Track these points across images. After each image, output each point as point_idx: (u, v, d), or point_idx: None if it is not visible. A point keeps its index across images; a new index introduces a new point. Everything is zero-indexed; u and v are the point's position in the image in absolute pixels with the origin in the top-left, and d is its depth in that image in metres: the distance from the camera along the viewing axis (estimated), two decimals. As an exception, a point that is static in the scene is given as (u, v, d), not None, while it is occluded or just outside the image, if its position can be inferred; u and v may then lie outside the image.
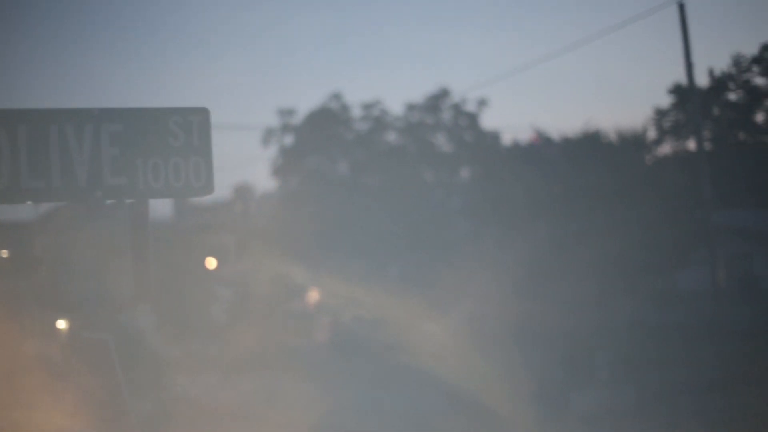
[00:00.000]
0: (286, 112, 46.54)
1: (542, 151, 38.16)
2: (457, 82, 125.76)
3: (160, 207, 41.38)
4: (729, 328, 33.57)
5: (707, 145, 61.25)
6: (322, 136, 45.05)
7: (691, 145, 47.90)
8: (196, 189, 6.62)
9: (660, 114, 66.97)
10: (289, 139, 47.08)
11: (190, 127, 6.66)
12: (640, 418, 22.52)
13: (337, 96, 45.87)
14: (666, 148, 62.58)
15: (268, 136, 46.86)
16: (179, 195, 6.64)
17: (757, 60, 66.22)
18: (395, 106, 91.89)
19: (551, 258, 29.21)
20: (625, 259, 28.09)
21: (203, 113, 6.70)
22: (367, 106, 44.63)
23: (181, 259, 35.07)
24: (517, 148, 40.39)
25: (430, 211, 42.10)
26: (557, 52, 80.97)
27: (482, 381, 27.29)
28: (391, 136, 44.67)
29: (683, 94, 60.25)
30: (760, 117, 66.28)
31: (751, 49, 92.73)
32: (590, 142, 34.66)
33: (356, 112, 45.30)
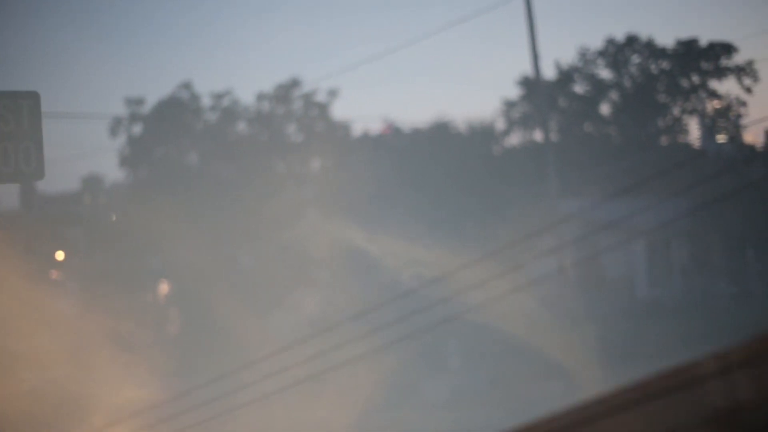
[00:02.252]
0: (135, 102, 45.81)
1: (392, 141, 38.38)
2: (308, 72, 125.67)
3: (6, 198, 40.29)
4: (575, 313, 34.37)
5: (554, 136, 62.68)
6: (171, 125, 44.47)
7: (539, 135, 48.85)
8: (26, 174, 6.39)
9: (509, 105, 68.14)
10: (137, 129, 46.35)
11: (20, 111, 6.43)
12: (490, 404, 22.83)
13: (186, 85, 45.33)
14: (515, 139, 63.80)
15: (116, 125, 46.06)
16: (9, 180, 6.41)
17: (602, 53, 67.94)
18: (247, 96, 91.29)
19: (402, 248, 29.38)
20: (473, 247, 28.43)
21: (33, 97, 6.48)
22: (218, 96, 44.18)
23: (26, 252, 34.23)
24: (367, 138, 40.53)
25: (281, 202, 41.96)
26: (407, 42, 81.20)
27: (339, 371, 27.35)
28: (242, 126, 44.33)
29: (531, 85, 61.44)
30: (604, 109, 68.05)
31: (596, 43, 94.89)
32: (440, 133, 35.00)
33: (206, 101, 44.86)
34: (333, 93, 45.27)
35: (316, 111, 45.13)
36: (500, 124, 59.90)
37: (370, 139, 41.16)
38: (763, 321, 37.03)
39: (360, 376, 26.32)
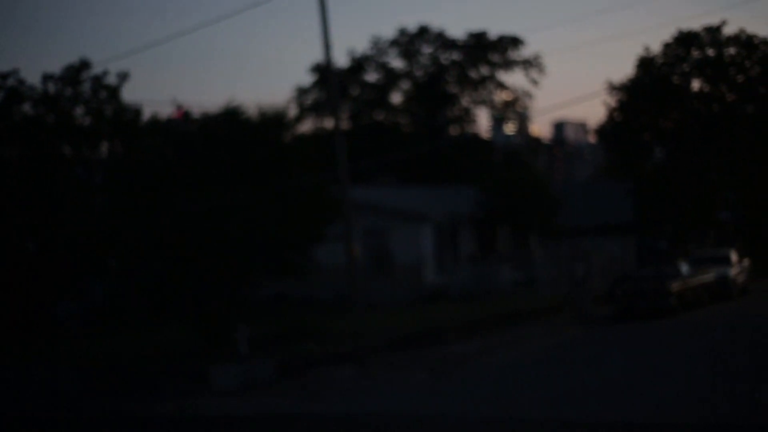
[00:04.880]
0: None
1: (182, 126, 37.97)
2: (99, 54, 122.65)
3: None
4: (364, 301, 34.86)
5: (346, 124, 63.27)
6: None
7: (331, 123, 49.20)
8: None
9: (301, 92, 68.53)
10: None
11: None
12: (277, 390, 22.98)
13: (-32, 65, 43.85)
14: (307, 126, 64.07)
15: None
16: None
17: (394, 43, 68.91)
18: (36, 78, 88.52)
19: (194, 233, 29.13)
20: (263, 235, 28.46)
21: None
22: (2, 76, 42.80)
23: None
24: (156, 122, 39.94)
25: (69, 186, 40.99)
26: (198, 25, 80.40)
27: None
28: (27, 108, 43.04)
29: (323, 73, 61.81)
30: (395, 97, 69.08)
31: (389, 32, 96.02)
32: (230, 118, 34.82)
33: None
34: (123, 76, 44.51)
35: (106, 94, 44.28)
36: (293, 111, 60.14)
37: (160, 123, 40.60)
38: (530, 303, 38.48)
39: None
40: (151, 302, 33.69)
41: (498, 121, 71.05)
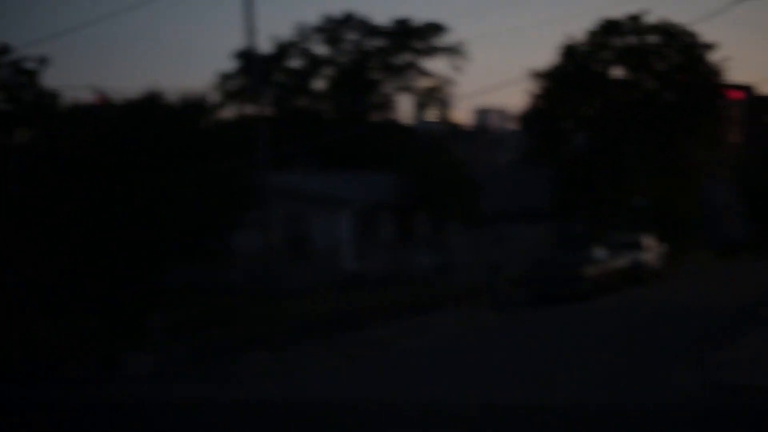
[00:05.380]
0: None
1: (103, 112, 37.78)
2: (17, 39, 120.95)
3: None
4: (282, 286, 35.01)
5: (268, 110, 63.18)
6: None
7: (254, 109, 49.13)
8: None
9: (224, 78, 68.23)
10: None
11: None
12: (189, 378, 23.05)
13: None
14: (230, 112, 63.87)
15: None
16: None
17: (318, 29, 68.90)
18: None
19: (108, 219, 29.07)
20: (178, 220, 28.52)
21: None
22: None
23: None
24: (77, 109, 39.68)
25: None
26: (118, 10, 79.87)
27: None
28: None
29: (247, 59, 61.63)
30: (318, 84, 69.10)
31: (313, 19, 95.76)
32: (151, 104, 34.76)
33: None
34: (43, 61, 44.07)
35: (25, 79, 43.82)
36: (216, 97, 59.91)
37: (81, 109, 40.32)
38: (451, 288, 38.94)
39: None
40: (65, 291, 33.49)
41: (420, 108, 71.40)
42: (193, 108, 37.05)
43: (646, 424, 15.38)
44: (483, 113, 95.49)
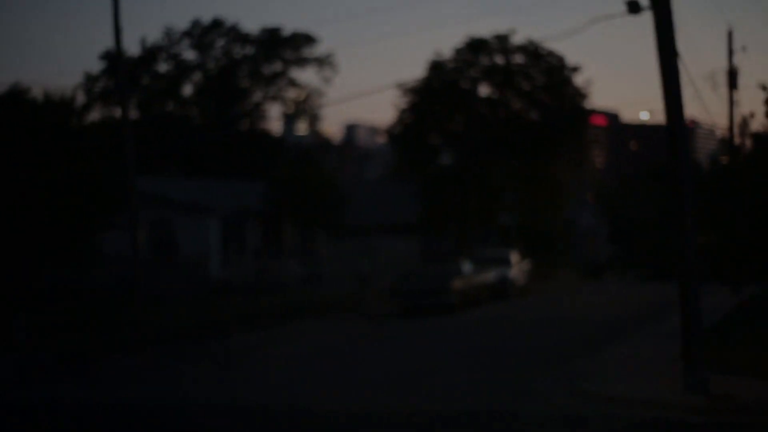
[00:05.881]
0: None
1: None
2: None
3: None
4: (149, 292, 34.34)
5: (135, 113, 62.18)
6: None
7: (120, 112, 48.26)
8: None
9: (90, 79, 66.93)
10: None
11: None
12: (56, 379, 22.43)
13: None
14: (96, 114, 62.64)
15: None
16: None
17: (187, 34, 68.15)
18: None
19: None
20: (45, 222, 27.77)
21: None
22: None
23: None
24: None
25: None
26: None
27: None
28: None
29: (113, 60, 60.55)
30: (187, 89, 68.36)
31: (183, 23, 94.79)
32: (14, 101, 33.80)
33: None
34: None
35: None
36: (81, 98, 58.65)
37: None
38: (320, 298, 38.82)
39: None
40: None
41: (289, 118, 71.22)
42: (58, 106, 36.15)
43: (517, 428, 15.48)
44: (352, 128, 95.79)
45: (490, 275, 41.81)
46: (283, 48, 68.55)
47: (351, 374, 22.18)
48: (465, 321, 34.24)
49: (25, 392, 20.86)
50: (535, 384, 19.44)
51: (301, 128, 72.51)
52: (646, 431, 15.35)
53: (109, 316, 29.79)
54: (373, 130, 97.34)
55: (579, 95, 64.26)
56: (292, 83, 69.00)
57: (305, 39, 68.78)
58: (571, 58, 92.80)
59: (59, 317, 28.90)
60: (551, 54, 63.05)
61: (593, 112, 71.80)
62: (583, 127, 66.34)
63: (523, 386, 19.19)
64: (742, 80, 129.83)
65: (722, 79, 45.29)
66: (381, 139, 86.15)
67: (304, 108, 70.19)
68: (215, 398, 19.37)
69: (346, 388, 19.99)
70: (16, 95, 36.26)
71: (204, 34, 68.56)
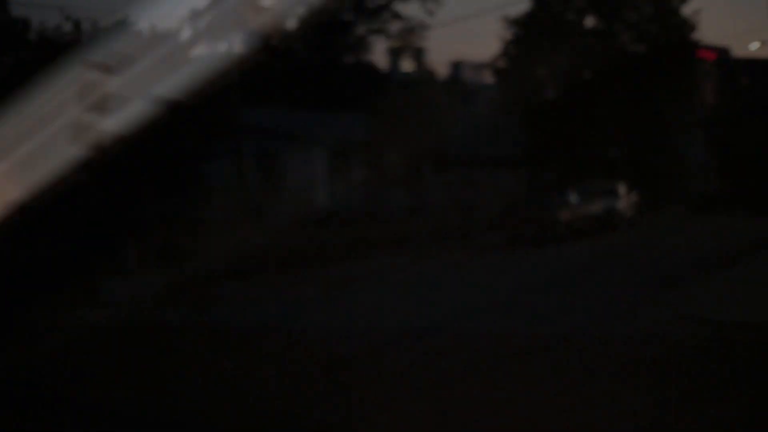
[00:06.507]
0: None
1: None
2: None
3: None
4: (260, 222, 34.60)
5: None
6: None
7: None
8: None
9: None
10: None
11: None
12: (166, 303, 22.87)
13: None
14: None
15: None
16: None
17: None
18: None
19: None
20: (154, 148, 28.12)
21: None
22: None
23: None
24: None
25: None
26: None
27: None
28: None
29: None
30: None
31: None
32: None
33: None
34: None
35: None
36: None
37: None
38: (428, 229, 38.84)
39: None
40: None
41: (393, 52, 70.89)
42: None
43: (629, 348, 15.40)
44: (457, 65, 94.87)
45: (598, 206, 41.37)
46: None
47: (458, 298, 22.23)
48: (572, 251, 33.97)
49: (138, 315, 21.32)
50: (640, 308, 19.27)
51: (406, 62, 72.19)
52: (743, 352, 15.11)
53: (215, 244, 30.14)
54: (479, 68, 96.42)
55: (687, 26, 62.94)
56: (396, 16, 68.57)
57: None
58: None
59: (170, 246, 29.30)
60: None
61: (701, 46, 70.19)
62: (692, 61, 64.97)
63: (631, 311, 19.03)
64: None
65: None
66: (487, 77, 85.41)
67: (409, 41, 69.77)
68: (335, 323, 19.47)
69: (453, 311, 20.04)
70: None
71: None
